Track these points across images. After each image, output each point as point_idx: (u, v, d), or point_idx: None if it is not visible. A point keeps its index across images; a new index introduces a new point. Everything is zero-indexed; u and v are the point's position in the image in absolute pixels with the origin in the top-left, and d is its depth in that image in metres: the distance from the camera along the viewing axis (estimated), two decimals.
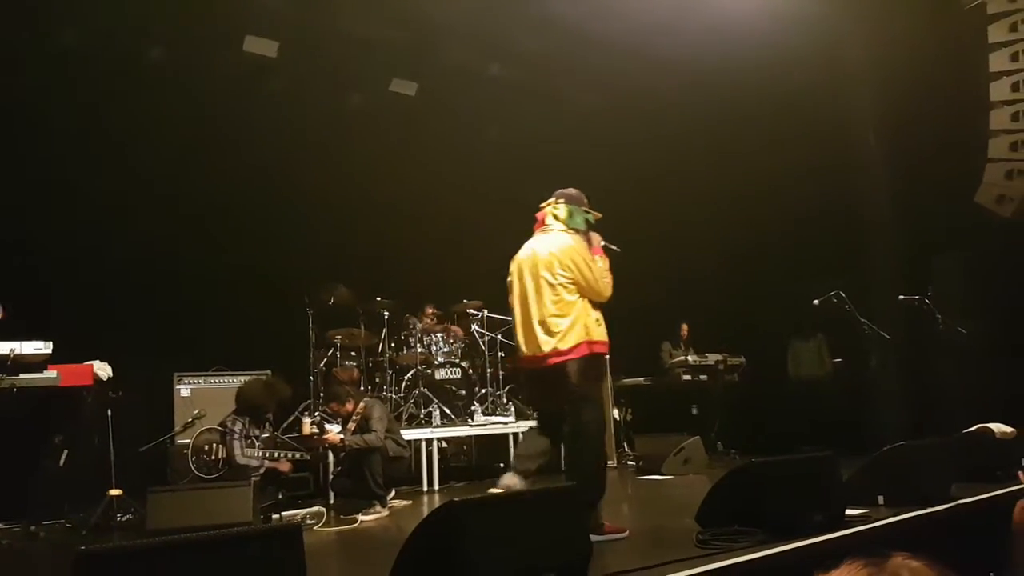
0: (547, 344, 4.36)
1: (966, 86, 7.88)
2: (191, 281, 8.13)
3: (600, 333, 4.48)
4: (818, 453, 4.60)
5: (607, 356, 4.73)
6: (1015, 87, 7.65)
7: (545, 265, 4.44)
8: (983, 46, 7.75)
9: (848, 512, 4.25)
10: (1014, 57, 7.65)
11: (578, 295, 4.42)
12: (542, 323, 4.40)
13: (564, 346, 4.33)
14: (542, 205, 4.72)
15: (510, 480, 4.31)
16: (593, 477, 4.38)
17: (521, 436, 7.57)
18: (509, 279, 4.70)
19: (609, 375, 8.81)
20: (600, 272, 4.50)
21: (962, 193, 7.87)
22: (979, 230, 7.84)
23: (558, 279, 4.39)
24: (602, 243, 4.72)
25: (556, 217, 4.61)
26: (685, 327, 9.73)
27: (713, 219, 9.83)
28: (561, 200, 4.66)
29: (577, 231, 4.60)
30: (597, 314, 4.51)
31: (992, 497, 4.67)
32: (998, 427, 5.95)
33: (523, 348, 4.54)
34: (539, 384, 4.61)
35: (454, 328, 8.77)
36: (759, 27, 7.64)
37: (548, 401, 4.59)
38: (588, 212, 4.70)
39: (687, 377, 9.29)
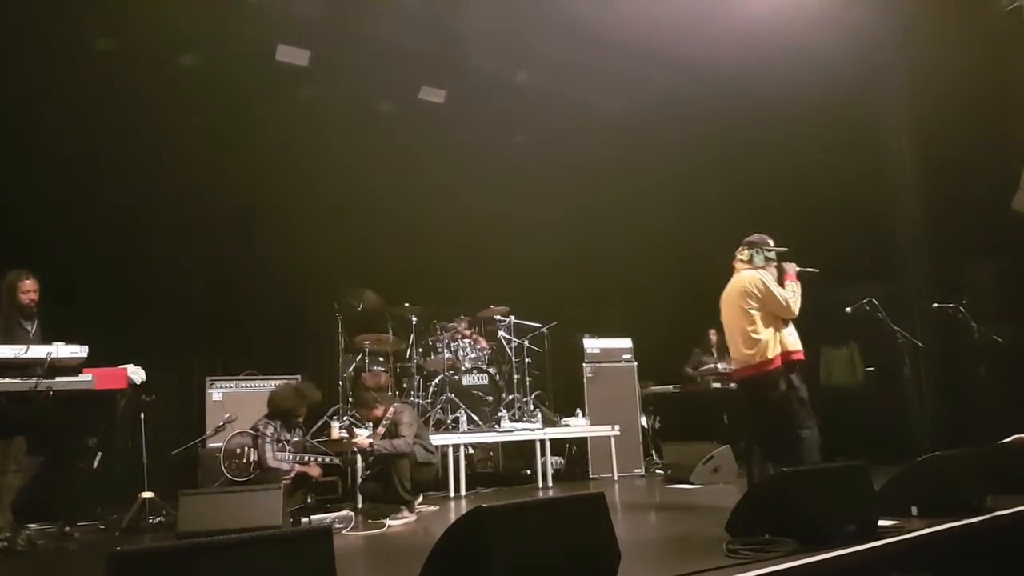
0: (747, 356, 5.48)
1: (1003, 90, 7.74)
2: (223, 287, 8.25)
3: (793, 344, 5.45)
4: (850, 462, 4.54)
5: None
6: None
7: (738, 296, 5.55)
8: (1020, 49, 7.61)
9: (881, 523, 4.19)
10: None
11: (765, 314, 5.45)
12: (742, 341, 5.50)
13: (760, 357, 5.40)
14: (735, 253, 5.82)
15: None
16: None
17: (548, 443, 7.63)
18: (722, 316, 5.80)
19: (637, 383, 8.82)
20: (782, 294, 5.43)
21: (998, 199, 7.73)
22: (1015, 237, 7.69)
23: (748, 305, 5.47)
24: (796, 269, 5.63)
25: (741, 260, 5.72)
26: (714, 333, 9.66)
27: (743, 224, 9.72)
28: (744, 247, 5.75)
29: (762, 267, 5.62)
30: (789, 328, 5.48)
31: None
32: None
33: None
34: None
35: (479, 338, 8.79)
36: (788, 29, 7.56)
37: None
38: (771, 250, 5.68)
39: (717, 385, 9.21)
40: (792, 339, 5.43)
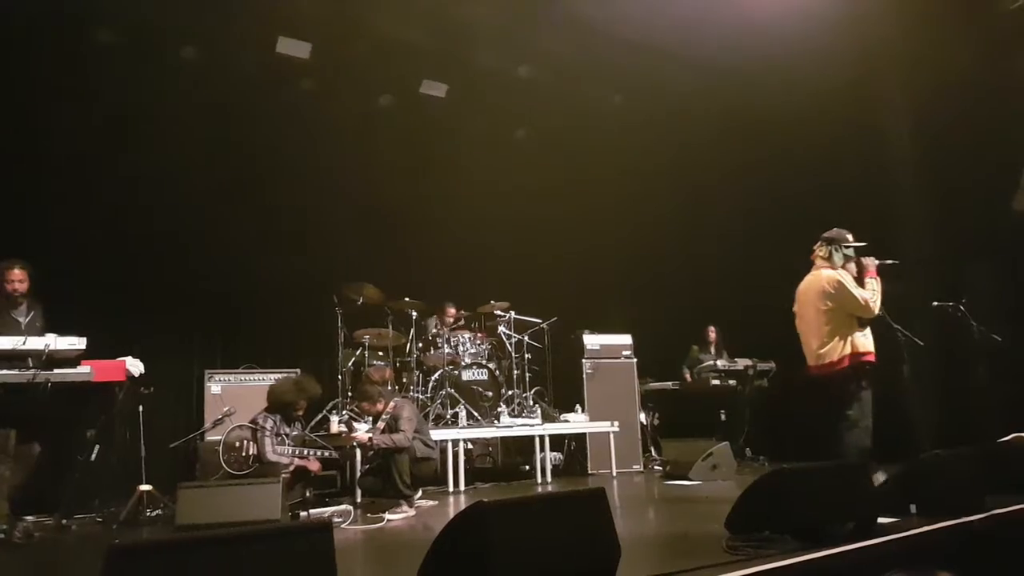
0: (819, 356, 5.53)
1: (1005, 89, 7.72)
2: (223, 280, 8.23)
3: (864, 345, 5.48)
4: (850, 461, 4.54)
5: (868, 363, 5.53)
6: None
7: (815, 295, 5.57)
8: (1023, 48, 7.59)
9: (880, 521, 4.19)
10: None
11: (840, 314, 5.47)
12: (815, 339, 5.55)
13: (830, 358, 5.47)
14: (813, 248, 5.76)
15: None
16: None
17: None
18: (795, 308, 5.82)
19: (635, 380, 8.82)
20: (861, 295, 5.43)
21: (999, 199, 7.72)
22: (1016, 236, 7.68)
23: (825, 306, 5.50)
24: (876, 263, 5.60)
25: (821, 258, 5.68)
26: (713, 330, 9.66)
27: (742, 221, 9.73)
28: (822, 243, 5.69)
29: (841, 265, 5.61)
30: (863, 330, 5.50)
31: None
32: None
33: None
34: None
35: (479, 332, 8.80)
36: (790, 25, 7.54)
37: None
38: (849, 246, 5.64)
39: (716, 382, 9.22)
40: (864, 340, 5.48)
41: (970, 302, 7.03)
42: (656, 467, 8.56)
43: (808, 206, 8.83)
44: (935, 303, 7.12)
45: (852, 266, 5.62)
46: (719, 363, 9.25)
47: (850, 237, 5.69)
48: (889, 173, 8.48)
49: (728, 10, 7.59)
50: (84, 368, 5.24)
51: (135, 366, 5.78)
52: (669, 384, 9.50)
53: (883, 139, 8.51)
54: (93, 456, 5.86)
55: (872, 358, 5.52)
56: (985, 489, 4.76)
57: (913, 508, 4.49)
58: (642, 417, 9.00)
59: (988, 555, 4.10)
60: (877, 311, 5.49)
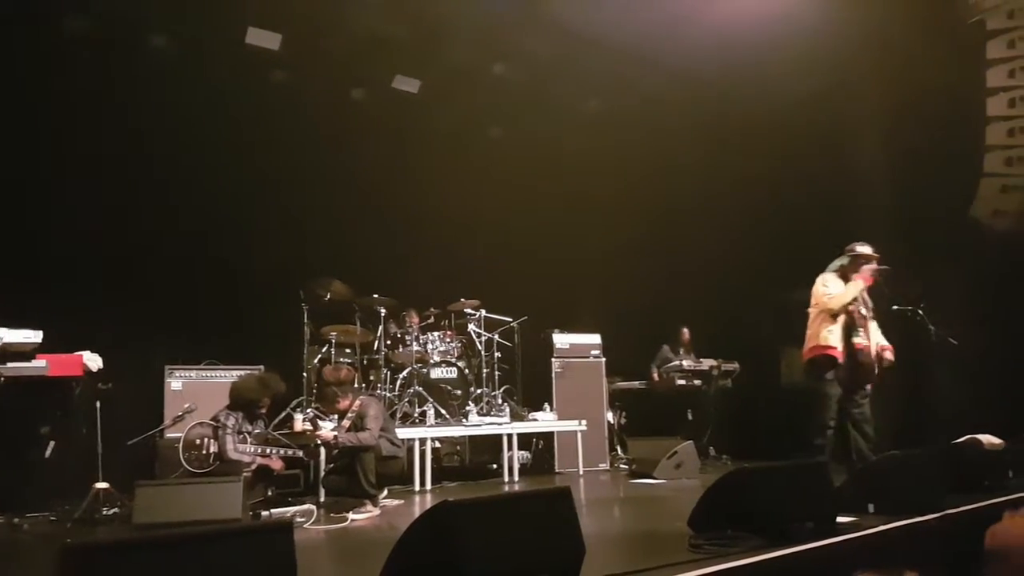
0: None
1: (964, 100, 7.90)
2: (185, 273, 8.09)
3: (828, 339, 6.15)
4: (810, 460, 4.60)
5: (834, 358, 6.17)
6: (1012, 103, 7.71)
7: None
8: (982, 62, 7.78)
9: (839, 519, 4.25)
10: (1011, 74, 7.71)
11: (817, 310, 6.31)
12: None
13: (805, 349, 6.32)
14: None
15: None
16: None
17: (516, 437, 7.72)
18: None
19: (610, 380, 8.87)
20: (823, 290, 6.25)
21: (958, 206, 7.90)
22: (974, 243, 7.86)
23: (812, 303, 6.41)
24: (870, 269, 6.24)
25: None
26: (686, 331, 9.72)
27: (710, 224, 9.83)
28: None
29: (835, 269, 6.37)
30: (832, 325, 6.15)
31: (981, 507, 4.68)
32: (987, 438, 5.99)
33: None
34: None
35: (448, 331, 8.77)
36: (762, 35, 7.63)
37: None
38: (843, 254, 6.38)
39: (682, 381, 9.30)
40: (829, 335, 6.12)
41: (928, 307, 7.17)
42: (622, 466, 8.61)
43: (776, 210, 8.97)
44: (895, 307, 7.26)
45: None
46: (685, 363, 9.33)
47: (859, 249, 6.32)
48: (854, 181, 8.62)
49: (703, 18, 7.66)
50: (39, 362, 5.15)
51: (93, 361, 5.67)
52: (636, 383, 9.56)
53: (848, 149, 8.66)
54: (48, 453, 5.74)
55: (832, 352, 6.09)
56: (941, 489, 4.86)
57: (871, 507, 4.57)
58: (609, 416, 9.05)
59: (944, 553, 4.19)
60: (835, 306, 6.12)
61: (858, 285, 6.19)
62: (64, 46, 7.29)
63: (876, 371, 6.29)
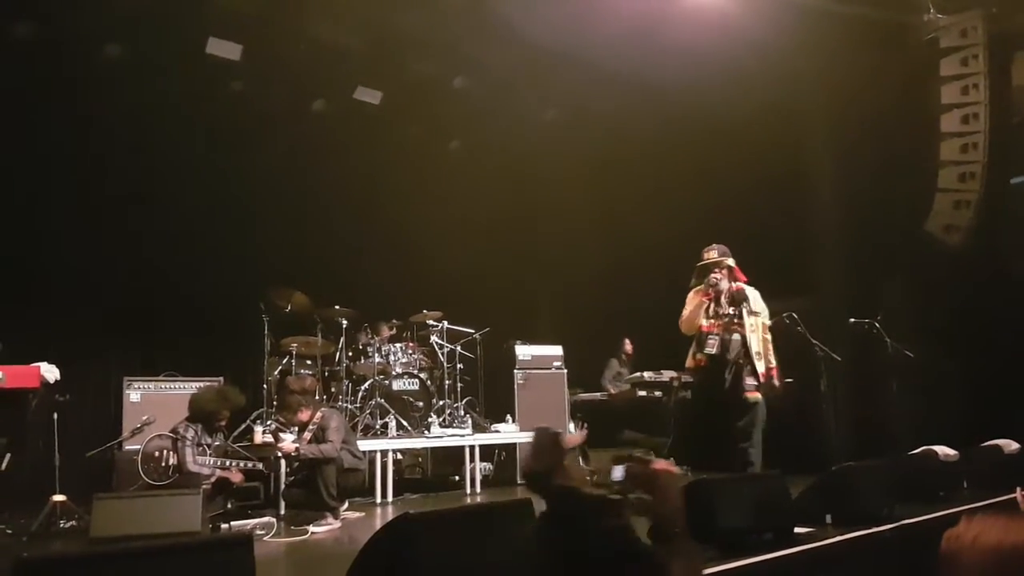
0: None
1: (918, 117, 8.10)
2: (144, 284, 7.99)
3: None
4: (768, 472, 4.67)
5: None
6: (965, 120, 7.88)
7: None
8: (935, 79, 7.99)
9: (797, 530, 4.32)
10: (964, 91, 7.88)
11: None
12: None
13: None
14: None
15: None
16: None
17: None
18: None
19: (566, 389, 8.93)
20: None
21: (913, 221, 8.08)
22: (928, 257, 8.05)
23: None
24: (713, 278, 6.10)
25: None
26: (628, 343, 9.80)
27: (668, 236, 9.94)
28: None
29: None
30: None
31: (936, 517, 4.78)
32: (942, 449, 6.13)
33: None
34: None
35: (410, 342, 8.75)
36: (718, 49, 7.76)
37: None
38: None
39: (642, 393, 9.36)
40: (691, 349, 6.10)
41: (885, 319, 7.34)
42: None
43: (729, 222, 9.07)
44: (852, 320, 7.41)
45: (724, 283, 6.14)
46: (646, 375, 9.39)
47: (705, 253, 6.23)
48: (810, 195, 8.79)
49: (660, 32, 7.77)
50: None
51: (50, 372, 5.57)
52: (598, 395, 9.61)
53: (803, 163, 8.82)
54: (3, 465, 5.60)
55: (688, 363, 6.24)
56: (896, 500, 4.96)
57: (828, 518, 4.65)
58: (571, 427, 9.07)
59: (900, 563, 4.28)
60: (683, 329, 6.16)
61: (697, 303, 6.10)
62: (16, 53, 7.17)
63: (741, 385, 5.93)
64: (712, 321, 5.96)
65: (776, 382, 5.93)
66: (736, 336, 5.87)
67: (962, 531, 1.53)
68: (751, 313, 5.95)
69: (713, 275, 6.01)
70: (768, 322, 6.13)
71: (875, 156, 8.08)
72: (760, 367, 5.84)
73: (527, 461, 3.23)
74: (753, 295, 6.08)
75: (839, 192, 8.59)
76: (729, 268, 6.14)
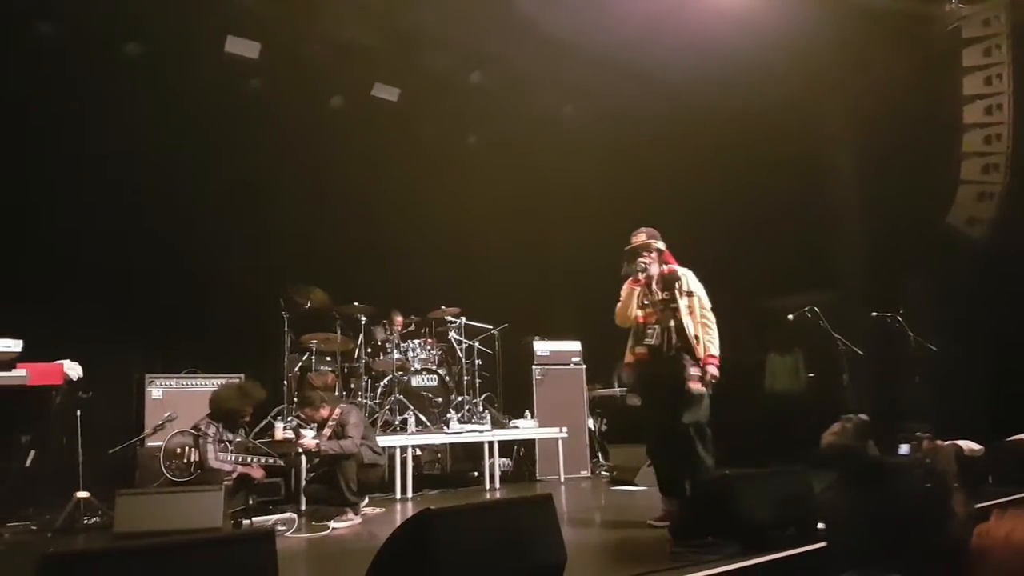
0: None
1: (941, 108, 7.99)
2: (165, 282, 8.05)
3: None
4: (790, 467, 4.62)
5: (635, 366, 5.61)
6: (988, 110, 7.76)
7: None
8: (958, 69, 7.87)
9: (820, 526, 4.28)
10: (987, 81, 7.76)
11: None
12: None
13: None
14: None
15: None
16: None
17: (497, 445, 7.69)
18: None
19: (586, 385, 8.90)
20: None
21: (935, 214, 7.99)
22: (951, 250, 7.95)
23: None
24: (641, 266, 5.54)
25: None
26: None
27: (689, 233, 9.86)
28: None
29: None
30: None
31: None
32: (967, 444, 6.06)
33: None
34: None
35: (429, 338, 8.76)
36: (736, 44, 7.69)
37: None
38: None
39: None
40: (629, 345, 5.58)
41: (907, 313, 7.25)
42: (603, 473, 8.62)
43: (754, 220, 9.01)
44: (874, 314, 7.33)
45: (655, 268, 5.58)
46: None
47: (633, 237, 5.73)
48: (831, 189, 8.70)
49: (677, 28, 7.71)
50: (20, 371, 5.10)
51: (73, 369, 5.63)
52: (617, 390, 9.58)
53: (825, 157, 8.73)
54: (28, 462, 5.67)
55: (627, 358, 5.62)
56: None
57: None
58: (590, 423, 9.05)
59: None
60: (618, 322, 5.61)
61: (629, 292, 5.54)
62: (37, 52, 7.23)
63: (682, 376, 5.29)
64: (648, 310, 5.45)
65: (714, 370, 5.32)
66: (673, 323, 5.36)
67: (993, 526, 1.50)
68: (684, 294, 5.43)
69: (640, 260, 5.53)
70: (708, 303, 5.53)
71: (897, 148, 7.98)
72: (701, 352, 5.29)
73: None
74: (687, 275, 5.56)
75: (861, 185, 8.50)
76: (659, 251, 5.64)
